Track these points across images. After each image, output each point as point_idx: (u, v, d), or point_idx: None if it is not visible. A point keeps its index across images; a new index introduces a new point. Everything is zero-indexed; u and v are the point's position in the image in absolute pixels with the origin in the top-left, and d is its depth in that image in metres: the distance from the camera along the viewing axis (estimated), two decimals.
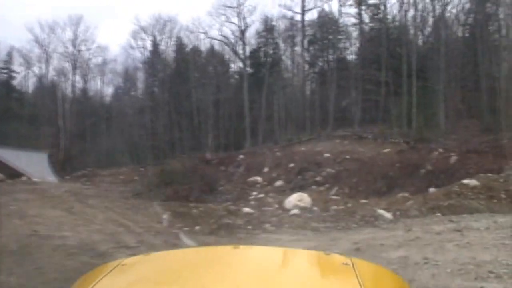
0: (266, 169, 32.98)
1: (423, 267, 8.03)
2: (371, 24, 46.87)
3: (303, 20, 48.09)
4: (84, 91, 59.03)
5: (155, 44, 55.52)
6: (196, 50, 55.49)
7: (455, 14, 43.42)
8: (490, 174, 19.95)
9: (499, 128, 33.07)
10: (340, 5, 47.33)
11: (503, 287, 6.97)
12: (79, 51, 56.48)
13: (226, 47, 52.99)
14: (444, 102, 37.25)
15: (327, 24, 48.77)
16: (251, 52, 51.60)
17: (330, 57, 49.96)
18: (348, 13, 47.35)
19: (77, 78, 57.50)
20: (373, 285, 2.16)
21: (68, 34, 56.57)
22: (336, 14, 48.70)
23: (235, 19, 49.69)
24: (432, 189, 20.55)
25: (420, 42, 45.00)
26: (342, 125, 42.03)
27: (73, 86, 57.17)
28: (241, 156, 36.42)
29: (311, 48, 50.35)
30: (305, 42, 49.19)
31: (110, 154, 49.04)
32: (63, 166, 45.44)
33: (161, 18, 55.64)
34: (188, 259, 2.57)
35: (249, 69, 51.40)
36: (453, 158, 25.06)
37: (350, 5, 46.40)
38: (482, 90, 38.50)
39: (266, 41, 51.49)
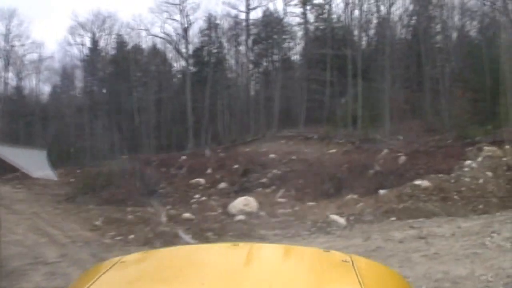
0: (209, 171, 31.45)
1: None
2: (316, 24, 46.01)
3: (247, 19, 46.71)
4: (18, 89, 55.58)
5: (94, 41, 52.79)
6: (137, 48, 53.23)
7: (399, 15, 43.16)
8: (440, 175, 19.25)
9: (443, 128, 32.89)
10: (285, 4, 46.25)
11: None
12: (12, 46, 53.05)
13: (168, 45, 51.01)
14: (388, 103, 36.75)
15: (272, 24, 47.58)
16: (194, 51, 49.85)
17: (275, 57, 48.81)
18: (293, 12, 46.38)
19: (10, 75, 54.00)
20: (372, 282, 2.09)
21: (0, 28, 53.01)
22: (281, 13, 47.60)
23: (177, 17, 47.67)
24: (382, 191, 19.45)
25: (364, 42, 44.56)
26: (287, 125, 41.15)
27: (6, 84, 53.65)
28: (183, 157, 34.70)
29: (255, 47, 49.08)
30: (250, 41, 47.85)
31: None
32: None
33: (100, 14, 52.92)
34: (187, 256, 2.52)
35: (192, 68, 49.60)
36: (402, 159, 24.24)
37: (295, 5, 45.43)
38: (425, 91, 38.31)
39: (210, 40, 49.80)
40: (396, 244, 9.49)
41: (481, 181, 18.23)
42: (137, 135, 48.33)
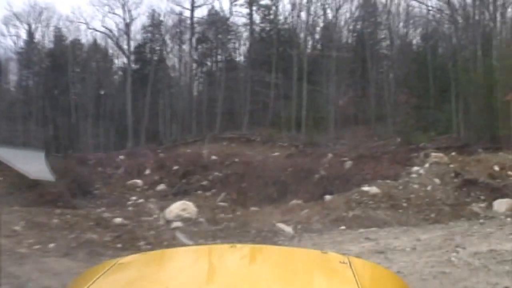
0: (148, 171, 29.80)
1: None
2: (262, 25, 44.87)
3: (192, 17, 44.95)
4: None
5: (30, 33, 49.72)
6: (76, 42, 50.58)
7: (345, 20, 42.68)
8: (388, 181, 18.43)
9: (386, 134, 32.52)
10: (231, 4, 44.86)
11: None
12: None
13: (109, 41, 48.63)
14: (333, 107, 36.09)
15: (217, 23, 46.09)
16: (136, 48, 47.79)
17: (219, 57, 47.42)
18: (239, 12, 45.05)
19: None
20: (371, 284, 2.12)
21: None
22: (227, 13, 46.16)
23: (119, 11, 45.48)
24: (328, 196, 18.42)
25: (310, 46, 43.83)
26: (229, 127, 40.12)
27: None
28: (121, 157, 32.81)
29: (199, 46, 47.50)
30: (194, 40, 46.18)
31: None
32: None
33: (37, 5, 50.11)
34: (185, 258, 2.50)
35: (133, 65, 47.60)
36: (348, 163, 23.38)
37: (241, 5, 44.08)
38: (370, 97, 37.91)
39: (153, 37, 47.87)
40: None
41: (429, 188, 17.47)
42: (74, 133, 45.93)
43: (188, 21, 45.54)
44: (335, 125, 35.51)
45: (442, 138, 27.43)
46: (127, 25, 45.46)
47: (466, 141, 25.52)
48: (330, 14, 42.07)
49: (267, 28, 44.18)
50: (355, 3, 41.94)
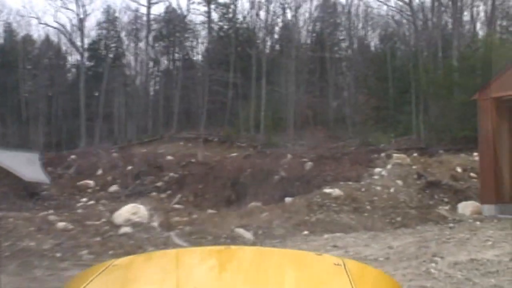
0: (100, 172, 28.26)
1: None
2: (220, 24, 43.72)
3: (148, 14, 43.36)
4: None
5: None
6: (28, 38, 48.27)
7: (304, 20, 41.96)
8: (350, 183, 17.78)
9: (346, 135, 31.96)
10: (189, 1, 43.57)
11: None
12: None
13: (62, 36, 46.49)
14: (292, 107, 35.29)
15: (174, 21, 44.65)
16: (90, 44, 45.79)
17: (177, 55, 45.96)
18: (197, 9, 43.73)
19: None
20: (365, 285, 2.10)
21: None
22: (184, 10, 44.76)
23: (73, 6, 43.45)
24: (288, 199, 17.50)
25: (269, 45, 42.96)
26: (187, 127, 38.94)
27: None
28: (73, 156, 31.11)
29: (156, 44, 45.97)
30: (150, 37, 44.63)
31: None
32: None
33: None
34: (180, 259, 2.45)
35: (87, 63, 45.73)
36: (308, 164, 22.52)
37: (199, 3, 42.74)
38: (329, 97, 37.29)
39: (108, 34, 46.04)
40: None
41: (392, 190, 16.86)
42: (24, 131, 43.66)
43: (145, 18, 44.01)
44: (294, 126, 34.72)
45: (402, 140, 26.94)
46: (81, 21, 43.37)
47: (427, 142, 25.09)
48: (289, 14, 41.30)
49: (226, 27, 43.07)
50: (315, 3, 41.37)
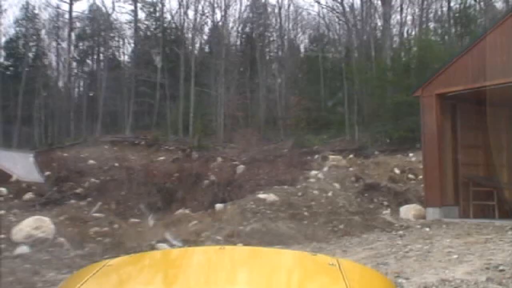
0: (14, 178, 25.54)
1: None
2: (147, 23, 41.50)
3: (71, 11, 40.43)
4: None
5: None
6: None
7: (234, 21, 40.54)
8: (285, 187, 16.32)
9: (277, 137, 30.82)
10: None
11: None
12: None
13: None
14: (222, 109, 33.73)
15: (99, 19, 41.98)
16: (7, 42, 42.37)
17: (101, 55, 43.29)
18: (122, 7, 41.40)
19: None
20: (360, 286, 2.05)
21: None
22: (109, 8, 42.23)
23: None
24: (219, 205, 15.82)
25: (198, 46, 41.23)
26: (112, 129, 36.76)
27: None
28: None
29: (80, 44, 43.11)
30: (73, 36, 41.79)
31: None
32: None
33: None
34: (173, 260, 2.42)
35: (4, 62, 42.38)
36: (240, 168, 20.95)
37: (125, 1, 40.36)
38: (259, 99, 35.98)
39: (27, 31, 42.63)
40: None
41: (330, 194, 15.55)
42: None
43: (67, 16, 41.09)
44: (224, 128, 33.21)
45: (336, 141, 25.96)
46: None
47: (361, 143, 24.15)
48: (218, 14, 39.70)
49: (153, 26, 40.92)
50: (244, 3, 40.08)
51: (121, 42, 44.62)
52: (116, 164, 24.40)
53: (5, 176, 26.13)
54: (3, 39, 42.13)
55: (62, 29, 42.51)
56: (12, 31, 43.15)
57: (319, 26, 38.25)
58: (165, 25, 40.45)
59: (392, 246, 8.88)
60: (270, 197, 14.41)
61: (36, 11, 43.06)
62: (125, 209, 18.80)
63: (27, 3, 42.30)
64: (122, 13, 41.94)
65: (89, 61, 44.98)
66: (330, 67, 32.91)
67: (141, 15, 41.49)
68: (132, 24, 41.66)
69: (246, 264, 2.26)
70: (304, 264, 2.30)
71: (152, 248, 9.42)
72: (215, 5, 38.73)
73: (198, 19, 39.03)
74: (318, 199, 14.74)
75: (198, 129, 32.50)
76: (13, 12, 43.50)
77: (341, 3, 31.17)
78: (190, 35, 39.61)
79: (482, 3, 31.76)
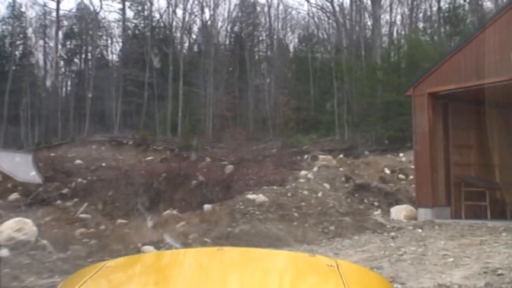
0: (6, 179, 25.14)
1: None
2: (135, 21, 41.04)
3: (58, 9, 39.94)
4: None
5: None
6: None
7: (223, 20, 40.22)
8: (275, 187, 16.02)
9: (267, 136, 30.56)
10: None
11: None
12: None
13: None
14: (210, 109, 33.41)
15: (87, 18, 41.45)
16: None
17: (89, 54, 42.74)
18: (110, 6, 40.92)
19: None
20: (358, 287, 2.04)
21: None
22: (97, 7, 41.68)
23: None
24: (207, 206, 15.48)
25: (187, 45, 40.91)
26: (100, 129, 36.25)
27: None
28: None
29: (67, 42, 42.55)
30: (60, 35, 41.27)
31: None
32: None
33: None
34: (172, 261, 2.42)
35: None
36: (228, 168, 20.61)
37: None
38: (248, 98, 35.68)
39: (13, 30, 41.99)
40: None
41: (320, 194, 15.28)
42: None
43: (54, 14, 40.55)
44: (213, 128, 32.90)
45: (325, 141, 25.71)
46: None
47: (351, 143, 23.91)
48: (207, 13, 39.38)
49: (141, 25, 40.50)
50: (233, 2, 39.83)
51: (109, 41, 44.35)
52: (104, 164, 24.06)
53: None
54: None
55: (49, 28, 42.18)
56: None
57: (308, 25, 38.18)
58: (154, 24, 40.11)
59: (385, 248, 8.60)
60: (259, 197, 14.12)
61: (23, 9, 42.91)
62: (113, 209, 18.42)
63: (14, 1, 41.83)
64: (110, 12, 41.69)
65: (76, 60, 44.60)
66: (320, 67, 32.71)
67: (130, 13, 41.34)
68: (120, 23, 41.32)
69: (244, 265, 2.26)
70: (303, 265, 2.29)
71: (138, 251, 9.08)
72: (204, 4, 38.56)
73: (186, 18, 38.81)
74: (308, 199, 14.47)
75: (187, 129, 32.19)
76: None
77: (331, 3, 31.13)
78: (178, 34, 39.28)
79: (471, 3, 31.73)
